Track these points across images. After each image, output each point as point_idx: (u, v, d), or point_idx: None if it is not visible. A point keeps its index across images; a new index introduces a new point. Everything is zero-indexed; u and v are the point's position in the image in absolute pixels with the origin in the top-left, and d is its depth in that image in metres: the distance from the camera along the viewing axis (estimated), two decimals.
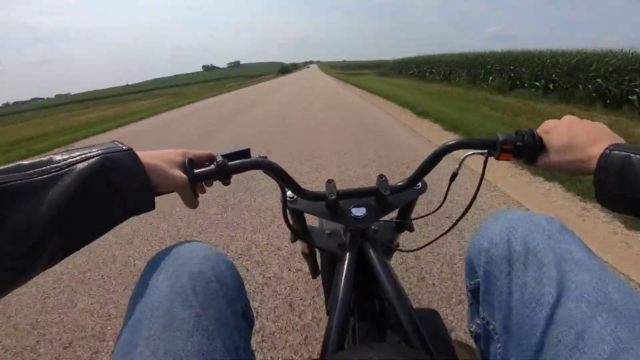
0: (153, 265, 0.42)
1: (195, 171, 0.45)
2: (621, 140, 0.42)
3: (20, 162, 0.33)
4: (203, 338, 0.35)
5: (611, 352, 0.30)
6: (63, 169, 0.34)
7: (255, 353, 1.16)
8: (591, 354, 0.31)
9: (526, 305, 0.39)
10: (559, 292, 0.37)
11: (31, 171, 0.32)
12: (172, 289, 0.37)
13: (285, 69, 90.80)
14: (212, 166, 0.46)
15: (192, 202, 0.47)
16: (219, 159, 0.46)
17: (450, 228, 0.58)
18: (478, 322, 0.49)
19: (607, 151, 0.39)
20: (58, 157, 0.35)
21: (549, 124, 0.48)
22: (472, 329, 0.52)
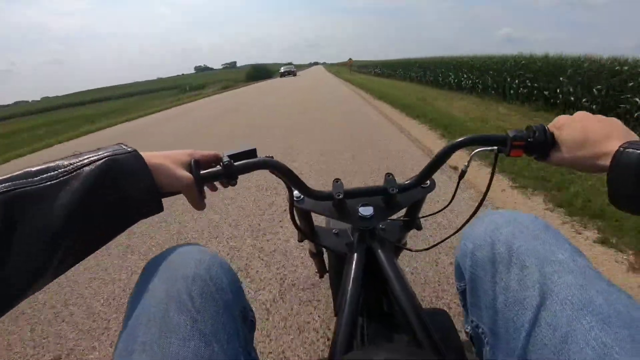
0: (149, 270, 0.41)
1: (201, 172, 0.45)
2: (636, 137, 0.41)
3: (28, 169, 0.34)
4: (200, 343, 0.34)
5: (596, 356, 0.30)
6: (70, 173, 0.34)
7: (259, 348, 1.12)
8: (576, 358, 0.31)
9: (510, 308, 0.39)
10: (543, 295, 0.36)
11: (39, 177, 0.33)
12: (167, 293, 0.37)
13: (259, 73, 43.63)
14: (219, 167, 0.46)
15: (198, 203, 0.46)
16: (225, 159, 0.46)
17: (462, 226, 0.57)
18: (470, 324, 0.49)
19: (622, 149, 0.38)
20: (65, 162, 0.35)
21: (561, 119, 0.47)
22: (467, 331, 0.52)
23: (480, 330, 0.45)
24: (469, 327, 0.51)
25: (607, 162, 0.39)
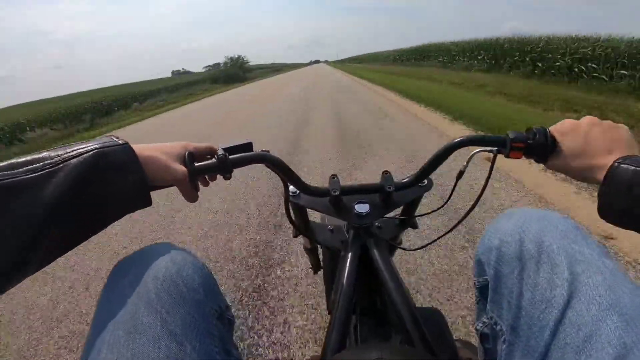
0: (119, 270, 0.40)
1: (195, 164, 0.44)
2: (637, 152, 0.40)
3: (14, 160, 0.33)
4: (170, 343, 0.33)
5: (615, 356, 0.30)
6: (57, 165, 0.33)
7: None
8: (596, 357, 0.31)
9: (536, 306, 0.38)
10: (570, 294, 0.36)
11: (24, 169, 0.32)
12: (136, 294, 0.36)
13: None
14: (214, 160, 0.45)
15: (191, 196, 0.46)
16: (220, 152, 0.45)
17: (456, 225, 0.57)
18: (485, 320, 0.49)
19: (616, 164, 0.38)
20: (52, 154, 0.35)
21: (566, 125, 0.46)
22: (478, 328, 0.51)
23: (498, 327, 0.44)
24: (480, 325, 0.50)
25: (601, 175, 0.39)
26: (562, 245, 0.40)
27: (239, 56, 35.06)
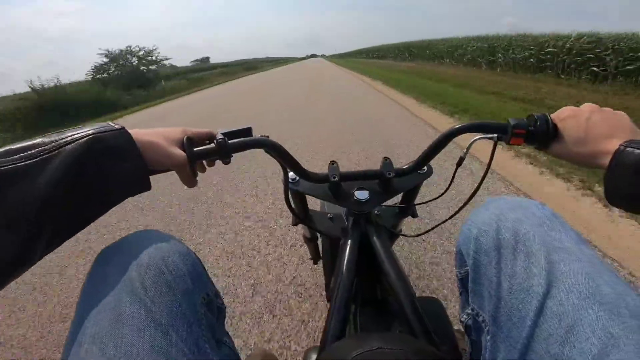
0: (102, 259, 0.39)
1: (194, 149, 0.44)
2: (639, 137, 0.39)
3: (10, 147, 0.32)
4: (156, 332, 0.33)
5: (602, 347, 0.29)
6: (52, 151, 0.33)
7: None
8: (581, 348, 0.30)
9: (515, 296, 0.38)
10: (549, 283, 0.36)
11: (18, 156, 0.31)
12: (119, 283, 0.35)
13: None
14: (212, 144, 0.44)
15: (190, 181, 0.45)
16: (219, 137, 0.45)
17: (456, 213, 0.57)
18: (468, 312, 0.48)
19: (622, 147, 0.37)
20: (47, 140, 0.34)
21: (566, 111, 0.45)
22: (462, 319, 0.51)
23: (480, 318, 0.44)
24: (465, 316, 0.50)
25: (606, 160, 0.39)
26: (538, 233, 0.40)
27: (138, 50, 17.04)
